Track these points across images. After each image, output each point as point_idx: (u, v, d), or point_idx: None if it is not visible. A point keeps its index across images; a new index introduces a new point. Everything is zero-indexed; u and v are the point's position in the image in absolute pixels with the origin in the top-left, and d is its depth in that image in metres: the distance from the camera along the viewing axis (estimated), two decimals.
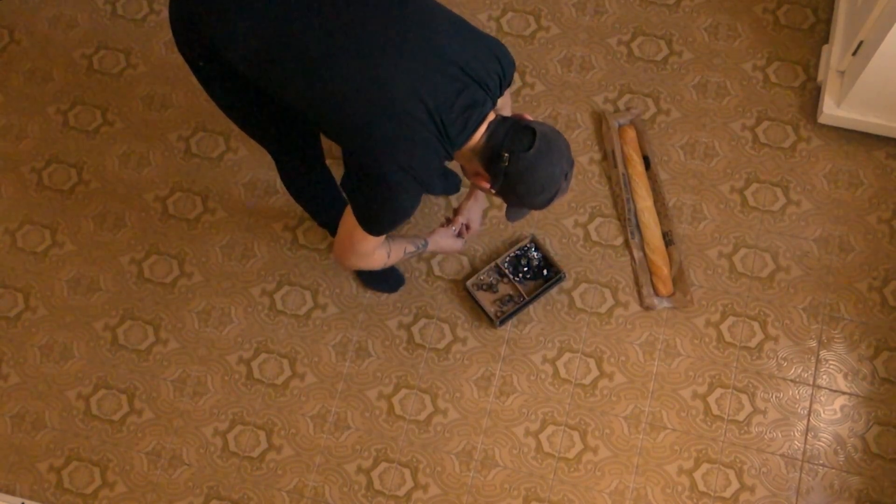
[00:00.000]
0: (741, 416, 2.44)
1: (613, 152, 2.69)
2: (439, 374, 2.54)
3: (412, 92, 1.66)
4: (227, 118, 2.82)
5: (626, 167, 2.68)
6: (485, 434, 2.47)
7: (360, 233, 1.86)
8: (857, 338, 2.49)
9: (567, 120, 2.78)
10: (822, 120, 2.65)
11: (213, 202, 2.77)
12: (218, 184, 2.79)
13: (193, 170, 2.81)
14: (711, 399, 2.46)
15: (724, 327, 2.52)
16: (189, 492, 2.48)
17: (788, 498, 2.37)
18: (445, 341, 2.56)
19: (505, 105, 2.08)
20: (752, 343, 2.50)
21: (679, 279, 2.56)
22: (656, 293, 2.56)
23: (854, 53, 2.53)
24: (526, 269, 2.59)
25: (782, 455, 2.40)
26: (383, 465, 2.47)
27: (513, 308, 2.55)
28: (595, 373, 2.51)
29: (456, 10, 2.79)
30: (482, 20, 2.92)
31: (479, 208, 2.41)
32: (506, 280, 2.59)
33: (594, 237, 2.65)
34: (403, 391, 2.53)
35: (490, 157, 1.75)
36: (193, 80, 2.93)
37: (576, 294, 2.59)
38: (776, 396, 2.45)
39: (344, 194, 1.81)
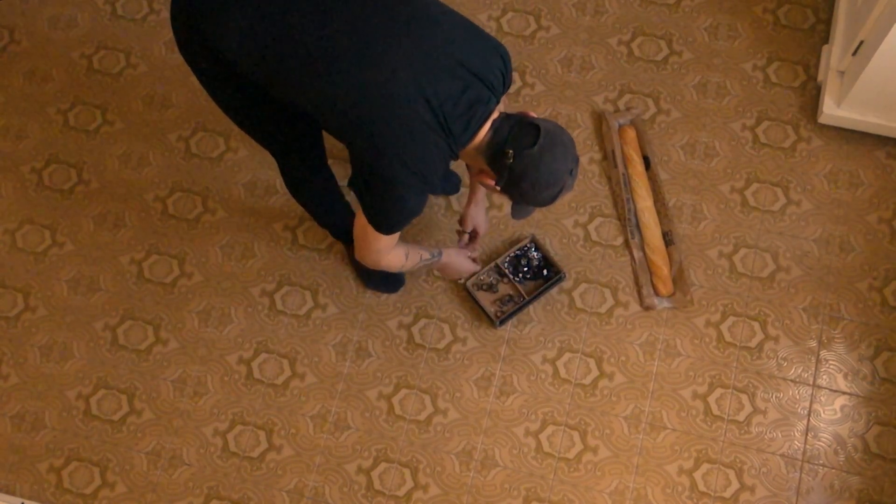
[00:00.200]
0: (741, 416, 2.44)
1: (613, 152, 2.69)
2: (439, 374, 2.54)
3: (416, 91, 1.66)
4: (227, 118, 2.82)
5: (626, 167, 2.68)
6: (485, 434, 2.47)
7: (372, 231, 1.87)
8: (858, 338, 2.49)
9: (567, 120, 2.78)
10: (822, 120, 2.65)
11: (213, 202, 2.77)
12: (218, 184, 2.79)
13: (193, 170, 2.81)
14: (711, 399, 2.46)
15: (724, 327, 2.52)
16: (189, 492, 2.48)
17: (788, 498, 2.37)
18: (445, 341, 2.56)
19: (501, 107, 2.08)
20: (753, 343, 2.50)
21: (679, 279, 2.56)
22: (656, 293, 2.56)
23: (854, 53, 2.53)
24: (526, 269, 2.59)
25: (782, 455, 2.40)
26: (383, 465, 2.47)
27: (513, 308, 2.55)
28: (595, 373, 2.51)
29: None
30: (482, 20, 2.92)
31: (483, 212, 2.41)
32: (506, 280, 2.59)
33: (594, 237, 2.65)
34: (403, 391, 2.53)
35: (494, 155, 1.75)
36: (193, 80, 2.93)
37: (576, 294, 2.59)
38: (776, 396, 2.45)
39: (353, 192, 1.83)
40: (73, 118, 2.91)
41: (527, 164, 1.72)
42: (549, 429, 2.47)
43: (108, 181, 2.82)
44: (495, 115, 1.77)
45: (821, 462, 2.39)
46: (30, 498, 2.50)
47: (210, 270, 2.69)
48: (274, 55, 1.70)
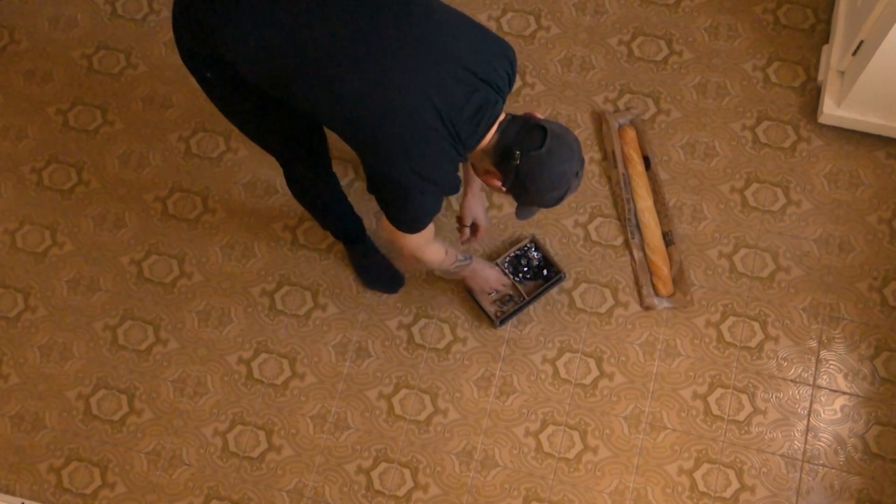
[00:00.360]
0: (741, 417, 2.44)
1: (613, 152, 2.69)
2: (439, 374, 2.54)
3: (424, 98, 1.67)
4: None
5: (626, 167, 2.68)
6: (485, 434, 2.47)
7: (400, 233, 1.91)
8: (858, 338, 2.49)
9: (567, 120, 2.78)
10: (822, 120, 2.65)
11: (213, 202, 2.77)
12: (218, 184, 2.79)
13: (193, 170, 2.81)
14: (711, 399, 2.46)
15: (724, 327, 2.52)
16: (189, 492, 2.48)
17: (788, 498, 2.37)
18: (445, 341, 2.56)
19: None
20: (753, 343, 2.50)
21: (679, 279, 2.56)
22: (656, 293, 2.56)
23: (854, 53, 2.53)
24: (526, 269, 2.59)
25: (782, 455, 2.40)
26: (383, 465, 2.47)
27: (513, 308, 2.55)
28: (595, 373, 2.51)
29: None
30: (482, 20, 2.92)
31: (481, 204, 2.41)
32: None
33: (594, 237, 2.65)
34: (403, 391, 2.53)
35: (501, 156, 1.76)
36: (194, 80, 2.92)
37: (576, 294, 2.59)
38: (776, 396, 2.45)
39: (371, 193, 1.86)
40: (73, 118, 2.91)
41: (533, 165, 1.73)
42: (549, 429, 2.47)
43: (108, 181, 2.82)
44: (502, 116, 1.78)
45: (821, 462, 2.39)
46: (30, 498, 2.50)
47: (210, 270, 2.69)
48: (283, 66, 1.70)
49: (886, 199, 2.62)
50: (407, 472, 2.46)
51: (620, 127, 2.73)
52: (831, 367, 2.47)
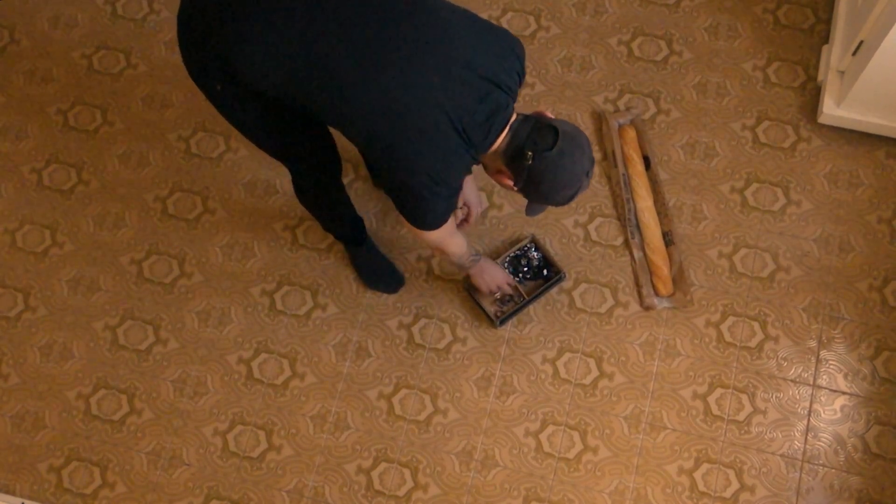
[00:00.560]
0: (741, 416, 2.44)
1: (613, 152, 2.69)
2: (439, 374, 2.54)
3: (435, 106, 1.68)
4: (221, 115, 2.82)
5: (626, 167, 2.68)
6: (485, 434, 2.47)
7: (420, 230, 1.95)
8: (858, 338, 2.49)
9: (567, 120, 2.78)
10: (822, 120, 2.65)
11: (213, 202, 2.77)
12: (218, 184, 2.79)
13: (193, 170, 2.81)
14: (711, 399, 2.46)
15: (724, 327, 2.52)
16: (189, 492, 2.48)
17: (788, 498, 2.37)
18: (445, 341, 2.56)
19: None
20: (752, 343, 2.50)
21: (679, 279, 2.56)
22: (656, 293, 2.56)
23: (854, 53, 2.53)
24: (526, 269, 2.59)
25: (782, 455, 2.40)
26: (383, 465, 2.47)
27: (513, 308, 2.55)
28: (595, 373, 2.51)
29: None
30: None
31: (473, 186, 2.42)
32: None
33: (594, 237, 2.65)
34: (403, 391, 2.53)
35: (513, 157, 1.78)
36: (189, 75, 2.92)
37: (576, 294, 2.59)
38: (776, 396, 2.45)
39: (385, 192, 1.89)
40: (73, 118, 2.91)
41: (545, 166, 1.75)
42: (549, 429, 2.47)
43: (108, 181, 2.82)
44: (513, 117, 1.79)
45: (821, 462, 2.39)
46: (30, 498, 2.50)
47: (210, 270, 2.69)
48: (295, 77, 1.70)
49: (886, 199, 2.62)
50: (407, 472, 2.46)
51: (620, 127, 2.73)
52: (831, 366, 2.47)
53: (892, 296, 2.52)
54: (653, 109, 2.77)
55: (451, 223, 1.99)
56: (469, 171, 1.84)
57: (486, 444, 2.46)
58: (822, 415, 2.43)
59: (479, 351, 2.55)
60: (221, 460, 2.50)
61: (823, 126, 2.70)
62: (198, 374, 2.59)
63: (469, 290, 2.57)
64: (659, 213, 2.64)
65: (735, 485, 2.39)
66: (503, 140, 1.78)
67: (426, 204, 1.82)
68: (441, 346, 2.56)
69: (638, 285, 2.58)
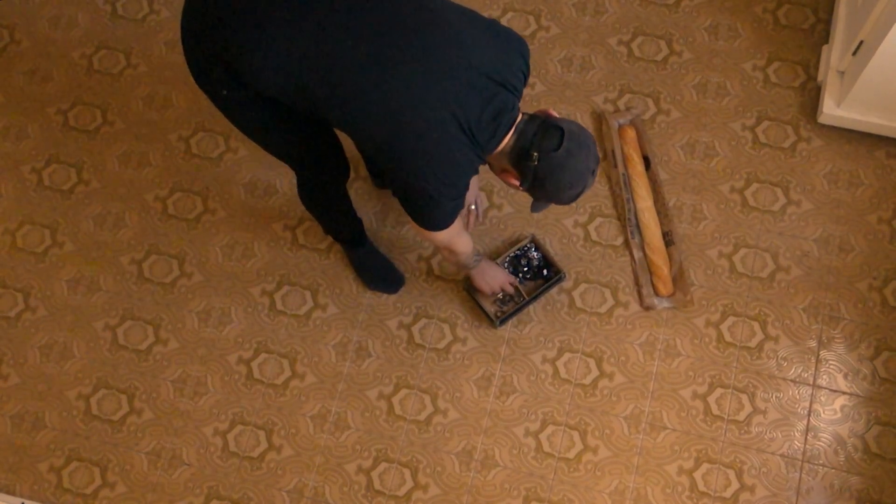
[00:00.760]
0: (741, 416, 2.44)
1: (613, 152, 2.69)
2: (439, 374, 2.54)
3: (443, 109, 1.68)
4: (228, 120, 2.83)
5: (626, 167, 2.68)
6: (485, 434, 2.47)
7: (426, 231, 1.95)
8: (858, 338, 2.49)
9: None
10: (822, 120, 2.65)
11: (213, 202, 2.77)
12: (218, 184, 2.79)
13: (193, 170, 2.81)
14: (711, 399, 2.46)
15: (724, 327, 2.52)
16: (189, 492, 2.48)
17: (788, 498, 2.37)
18: (445, 341, 2.56)
19: None
20: (752, 343, 2.50)
21: (679, 279, 2.56)
22: (656, 293, 2.56)
23: (854, 53, 2.53)
24: (526, 269, 2.59)
25: (782, 455, 2.40)
26: (383, 465, 2.47)
27: (513, 308, 2.55)
28: (595, 373, 2.51)
29: None
30: None
31: (475, 186, 2.41)
32: None
33: (594, 237, 2.65)
34: (403, 391, 2.53)
35: (519, 157, 1.79)
36: (194, 80, 2.92)
37: (576, 294, 2.59)
38: (776, 396, 2.45)
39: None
40: (73, 118, 2.91)
41: (551, 166, 1.76)
42: (549, 429, 2.47)
43: (108, 181, 2.82)
44: (519, 117, 1.79)
45: (821, 462, 2.39)
46: (30, 498, 2.50)
47: (210, 270, 2.69)
48: (304, 84, 1.70)
49: (886, 199, 2.62)
50: (407, 472, 2.46)
51: (620, 127, 2.73)
52: (831, 366, 2.47)
53: (892, 296, 2.52)
54: (653, 109, 2.77)
55: (458, 223, 1.99)
56: (476, 172, 1.85)
57: (486, 444, 2.46)
58: (822, 415, 2.43)
59: (479, 351, 2.55)
60: (221, 460, 2.50)
61: (823, 126, 2.70)
62: (198, 374, 2.59)
63: (469, 291, 2.57)
64: (659, 213, 2.64)
65: (735, 485, 2.39)
66: (509, 140, 1.79)
67: (434, 205, 1.83)
68: (441, 346, 2.56)
69: (638, 285, 2.58)
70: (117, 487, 2.50)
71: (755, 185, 2.66)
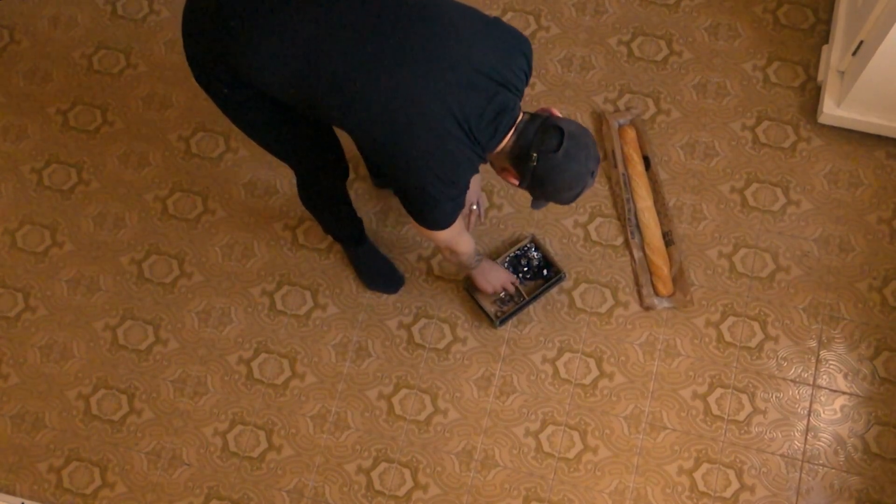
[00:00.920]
0: (741, 416, 2.44)
1: (613, 152, 2.69)
2: (439, 374, 2.54)
3: (443, 108, 1.68)
4: (228, 119, 2.83)
5: (626, 167, 2.68)
6: (485, 434, 2.47)
7: (428, 230, 1.95)
8: (858, 338, 2.49)
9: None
10: (822, 120, 2.65)
11: (213, 202, 2.77)
12: (218, 184, 2.79)
13: (193, 170, 2.81)
14: (711, 399, 2.46)
15: (724, 327, 2.52)
16: (189, 492, 2.48)
17: (788, 498, 2.37)
18: (445, 341, 2.56)
19: None
20: (752, 343, 2.50)
21: (679, 279, 2.56)
22: (656, 293, 2.56)
23: (854, 53, 2.53)
24: (526, 269, 2.59)
25: (782, 455, 2.40)
26: (383, 465, 2.47)
27: (513, 308, 2.55)
28: (595, 373, 2.51)
29: None
30: None
31: (477, 184, 2.41)
32: None
33: (594, 237, 2.65)
34: (403, 391, 2.53)
35: (519, 156, 1.79)
36: (194, 80, 2.92)
37: (576, 294, 2.59)
38: (776, 396, 2.45)
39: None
40: (73, 118, 2.91)
41: (550, 167, 1.76)
42: (549, 429, 2.47)
43: (108, 181, 2.82)
44: (519, 116, 1.79)
45: (821, 462, 2.39)
46: (30, 498, 2.50)
47: (210, 270, 2.69)
48: (305, 83, 1.70)
49: (886, 199, 2.62)
50: (407, 472, 2.46)
51: (620, 127, 2.73)
52: (831, 366, 2.47)
53: (892, 296, 2.52)
54: (653, 109, 2.77)
55: (459, 222, 1.99)
56: (476, 171, 1.85)
57: (486, 444, 2.46)
58: (822, 415, 2.43)
59: (479, 351, 2.55)
60: (221, 460, 2.50)
61: (823, 126, 2.70)
62: (198, 374, 2.59)
63: (469, 290, 2.57)
64: (659, 213, 2.64)
65: (735, 485, 2.39)
66: (509, 140, 1.79)
67: (435, 204, 1.83)
68: (441, 346, 2.56)
69: (638, 285, 2.58)
70: (117, 487, 2.50)
71: (755, 185, 2.66)
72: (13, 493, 2.51)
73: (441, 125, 1.69)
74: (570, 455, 2.44)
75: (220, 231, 2.73)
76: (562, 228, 2.66)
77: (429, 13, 1.70)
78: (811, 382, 2.46)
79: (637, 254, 2.59)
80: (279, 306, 2.64)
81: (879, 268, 2.55)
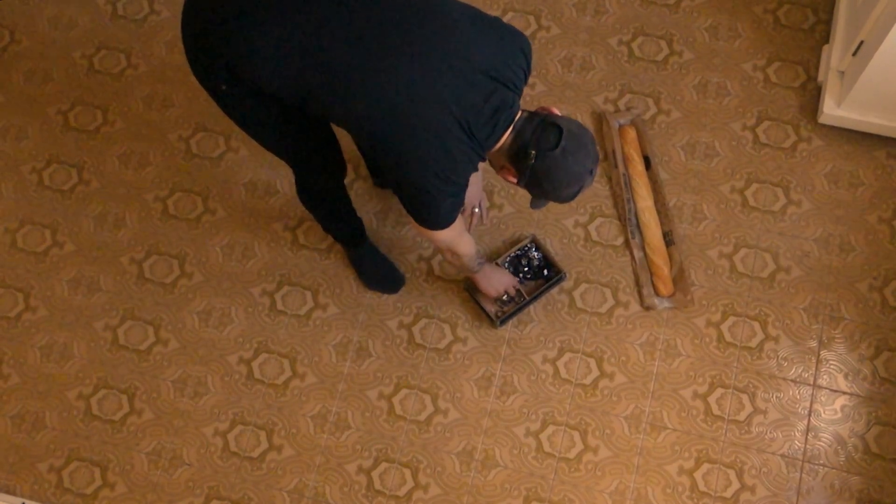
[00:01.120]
0: (741, 416, 2.44)
1: (614, 152, 2.69)
2: (440, 374, 2.54)
3: (442, 106, 1.68)
4: (229, 118, 2.83)
5: (626, 167, 2.68)
6: (485, 434, 2.47)
7: (427, 230, 1.95)
8: (858, 338, 2.49)
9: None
10: (822, 120, 2.65)
11: (213, 202, 2.77)
12: (218, 184, 2.79)
13: (193, 170, 2.81)
14: (712, 399, 2.46)
15: (724, 327, 2.52)
16: (189, 492, 2.48)
17: (789, 498, 2.37)
18: (446, 341, 2.56)
19: None
20: (753, 343, 2.50)
21: (679, 279, 2.56)
22: (657, 293, 2.56)
23: (854, 53, 2.53)
24: (526, 269, 2.59)
25: (783, 455, 2.40)
26: (384, 465, 2.47)
27: (513, 308, 2.55)
28: (595, 373, 2.51)
29: None
30: None
31: (478, 184, 2.40)
32: None
33: (594, 237, 2.65)
34: (404, 391, 2.53)
35: (517, 154, 1.79)
36: (194, 80, 2.93)
37: (576, 294, 2.59)
38: (777, 396, 2.45)
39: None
40: (73, 118, 2.91)
41: (549, 165, 1.76)
42: (550, 429, 2.47)
43: (108, 181, 2.82)
44: (518, 114, 1.79)
45: (821, 462, 2.39)
46: (30, 498, 2.50)
47: (210, 270, 2.69)
48: (303, 80, 1.71)
49: (886, 199, 2.62)
50: (407, 472, 2.46)
51: (621, 127, 2.73)
52: (831, 366, 2.47)
53: (892, 296, 2.52)
54: (653, 109, 2.77)
55: (459, 222, 1.99)
56: (475, 169, 1.85)
57: (487, 444, 2.46)
58: (823, 415, 2.43)
59: (480, 351, 2.55)
60: (222, 460, 2.50)
61: (824, 126, 2.70)
62: (198, 374, 2.59)
63: (469, 291, 2.57)
64: (659, 213, 2.64)
65: (735, 485, 2.39)
66: (508, 137, 1.79)
67: (433, 202, 1.83)
68: (441, 346, 2.56)
69: (638, 285, 2.58)
70: (117, 487, 2.50)
71: (755, 185, 2.66)
72: (13, 493, 2.51)
73: (439, 122, 1.69)
74: (571, 455, 2.44)
75: (221, 231, 2.73)
76: (562, 228, 2.66)
77: (428, 11, 1.70)
78: (812, 382, 2.46)
79: (637, 254, 2.59)
80: (280, 306, 2.64)
81: (880, 268, 2.55)
